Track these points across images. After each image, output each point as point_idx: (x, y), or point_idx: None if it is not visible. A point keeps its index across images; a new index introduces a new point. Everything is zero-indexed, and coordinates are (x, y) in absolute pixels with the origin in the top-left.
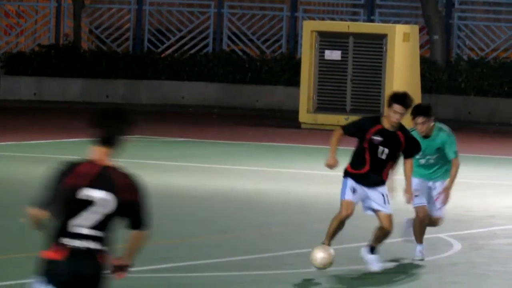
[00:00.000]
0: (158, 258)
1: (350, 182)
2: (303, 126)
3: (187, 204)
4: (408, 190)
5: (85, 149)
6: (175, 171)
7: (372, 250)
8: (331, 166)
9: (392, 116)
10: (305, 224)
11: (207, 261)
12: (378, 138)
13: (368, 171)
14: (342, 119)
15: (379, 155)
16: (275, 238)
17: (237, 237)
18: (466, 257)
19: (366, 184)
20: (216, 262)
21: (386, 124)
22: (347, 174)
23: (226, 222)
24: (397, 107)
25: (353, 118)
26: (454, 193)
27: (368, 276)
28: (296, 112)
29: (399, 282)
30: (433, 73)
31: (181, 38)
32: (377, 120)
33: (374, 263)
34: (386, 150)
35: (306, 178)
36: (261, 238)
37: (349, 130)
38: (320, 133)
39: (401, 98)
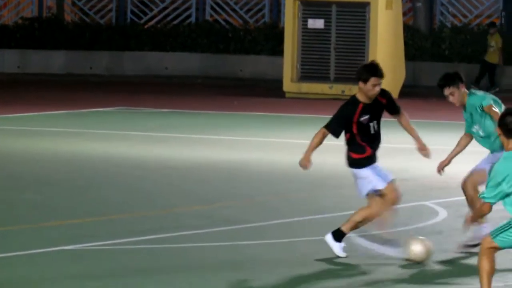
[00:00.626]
0: (144, 229)
1: (371, 168)
2: (287, 95)
3: (172, 175)
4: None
5: (69, 121)
6: (159, 142)
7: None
8: (304, 167)
9: (371, 90)
10: (291, 193)
11: (193, 232)
12: (365, 117)
13: (371, 154)
14: (326, 88)
15: (372, 132)
16: (260, 208)
17: (222, 207)
18: (452, 224)
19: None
20: (202, 233)
21: (365, 99)
22: (359, 163)
23: (211, 192)
24: (375, 79)
25: (336, 86)
26: (439, 160)
27: (356, 244)
28: (280, 81)
29: (390, 250)
30: (416, 41)
31: (164, 8)
32: (355, 101)
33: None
34: (375, 122)
35: (291, 147)
36: (247, 208)
37: (336, 128)
38: (304, 102)
39: (375, 70)
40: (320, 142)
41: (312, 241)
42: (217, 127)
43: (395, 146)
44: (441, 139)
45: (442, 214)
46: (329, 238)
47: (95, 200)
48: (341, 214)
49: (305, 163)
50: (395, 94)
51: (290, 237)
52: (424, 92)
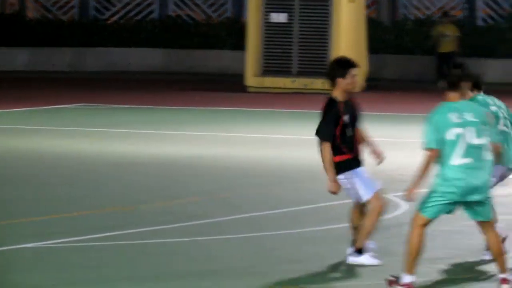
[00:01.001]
0: (107, 225)
1: (355, 174)
2: (249, 89)
3: (134, 171)
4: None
5: (31, 118)
6: (122, 138)
7: (360, 250)
8: (334, 192)
9: (351, 82)
10: (252, 188)
11: (155, 228)
12: (346, 117)
13: (352, 157)
14: (288, 82)
15: (348, 134)
16: (222, 203)
17: (184, 203)
18: None
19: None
20: (164, 229)
21: (342, 96)
22: (340, 167)
23: (173, 188)
24: (354, 70)
25: (299, 80)
26: (402, 153)
27: (315, 238)
28: (243, 76)
29: (346, 245)
30: (379, 34)
31: (127, 4)
32: (335, 101)
33: (369, 259)
34: (351, 124)
35: (253, 141)
36: (208, 203)
37: (329, 133)
38: (266, 96)
39: (349, 62)
40: (331, 155)
41: (273, 236)
42: (179, 123)
43: None
44: (404, 132)
45: (404, 207)
46: (353, 258)
47: (57, 197)
48: (303, 208)
49: (334, 188)
50: (358, 87)
51: (250, 232)
52: (388, 85)
